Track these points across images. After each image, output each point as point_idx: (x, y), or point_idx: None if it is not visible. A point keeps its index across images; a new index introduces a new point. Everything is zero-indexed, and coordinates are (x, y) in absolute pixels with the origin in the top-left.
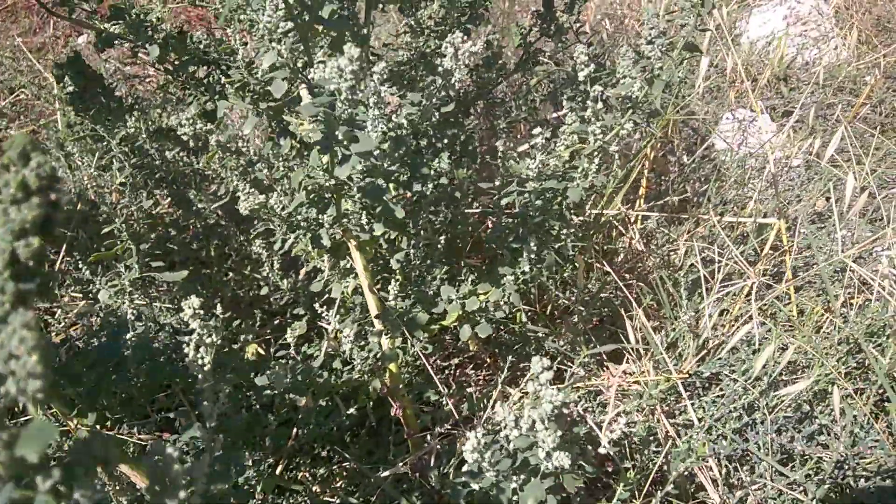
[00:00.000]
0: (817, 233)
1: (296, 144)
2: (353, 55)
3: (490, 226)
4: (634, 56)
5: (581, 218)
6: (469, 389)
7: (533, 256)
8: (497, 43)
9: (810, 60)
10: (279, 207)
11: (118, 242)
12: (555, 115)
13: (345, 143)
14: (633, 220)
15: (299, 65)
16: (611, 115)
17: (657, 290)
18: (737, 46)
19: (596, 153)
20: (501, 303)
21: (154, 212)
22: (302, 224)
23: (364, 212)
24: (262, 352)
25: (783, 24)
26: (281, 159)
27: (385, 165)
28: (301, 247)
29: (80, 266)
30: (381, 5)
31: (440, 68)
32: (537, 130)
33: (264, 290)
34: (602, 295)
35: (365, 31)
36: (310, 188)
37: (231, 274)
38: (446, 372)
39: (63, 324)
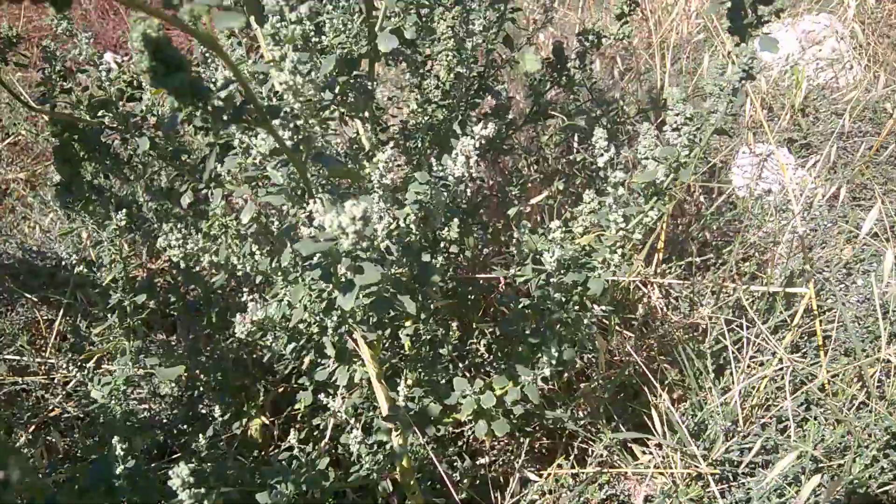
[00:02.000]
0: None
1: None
2: (356, 214)
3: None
4: (656, 134)
5: (603, 307)
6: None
7: (554, 359)
8: (505, 93)
9: (827, 84)
10: (278, 317)
11: (116, 310)
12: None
13: (348, 274)
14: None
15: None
16: (630, 195)
17: (681, 361)
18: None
19: (618, 243)
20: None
21: (154, 273)
22: (304, 333)
23: (371, 312)
24: (266, 422)
25: (796, 44)
26: (280, 274)
27: (392, 271)
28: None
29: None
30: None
31: (449, 177)
32: (555, 224)
33: (267, 357)
34: (622, 369)
35: (370, 84)
36: (311, 300)
37: (233, 339)
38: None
39: (59, 398)
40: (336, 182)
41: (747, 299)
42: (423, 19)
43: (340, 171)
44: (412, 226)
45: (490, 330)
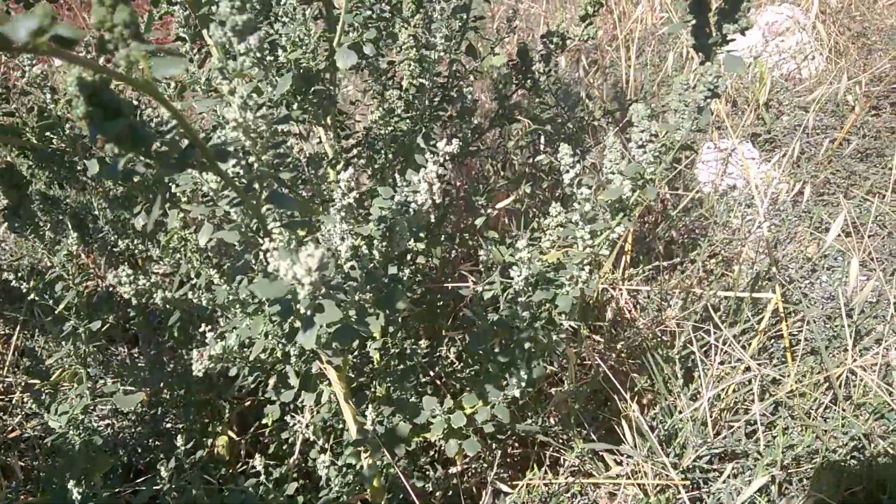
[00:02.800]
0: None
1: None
2: (312, 265)
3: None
4: (621, 149)
5: (572, 323)
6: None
7: (523, 380)
8: (471, 96)
9: (790, 76)
10: (236, 345)
11: (73, 328)
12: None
13: (308, 312)
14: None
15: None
16: (596, 210)
17: (650, 367)
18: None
19: (585, 260)
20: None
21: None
22: (266, 362)
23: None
24: (233, 437)
25: (759, 36)
26: (238, 306)
27: (356, 298)
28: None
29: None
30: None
31: (411, 204)
32: (522, 243)
33: (233, 371)
34: (592, 378)
35: (332, 91)
36: (272, 329)
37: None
38: (431, 453)
39: (18, 418)
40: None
41: (714, 303)
42: (384, 30)
43: (297, 214)
44: (376, 251)
45: (460, 337)
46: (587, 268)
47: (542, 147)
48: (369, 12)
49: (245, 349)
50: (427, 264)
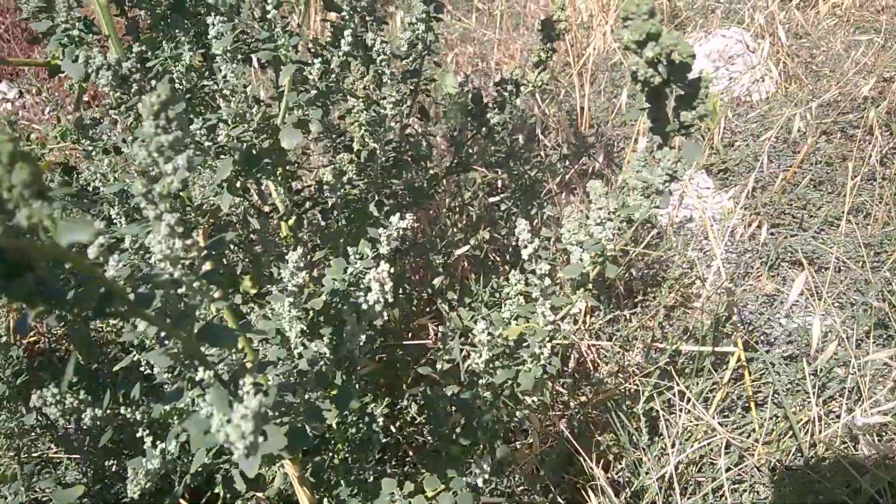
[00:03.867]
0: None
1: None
2: (247, 428)
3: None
4: (580, 219)
5: (536, 398)
6: None
7: (486, 471)
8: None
9: (741, 100)
10: (177, 451)
11: None
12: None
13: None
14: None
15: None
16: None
17: (614, 423)
18: None
19: (547, 337)
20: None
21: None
22: (212, 466)
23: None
24: None
25: (709, 62)
26: (176, 416)
27: (306, 397)
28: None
29: None
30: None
31: (363, 305)
32: (480, 326)
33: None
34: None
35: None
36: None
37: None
38: None
39: None
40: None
41: (677, 350)
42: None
43: (231, 345)
44: (326, 348)
45: (421, 391)
46: (549, 345)
47: (497, 190)
48: (315, 91)
49: (186, 456)
50: (385, 322)
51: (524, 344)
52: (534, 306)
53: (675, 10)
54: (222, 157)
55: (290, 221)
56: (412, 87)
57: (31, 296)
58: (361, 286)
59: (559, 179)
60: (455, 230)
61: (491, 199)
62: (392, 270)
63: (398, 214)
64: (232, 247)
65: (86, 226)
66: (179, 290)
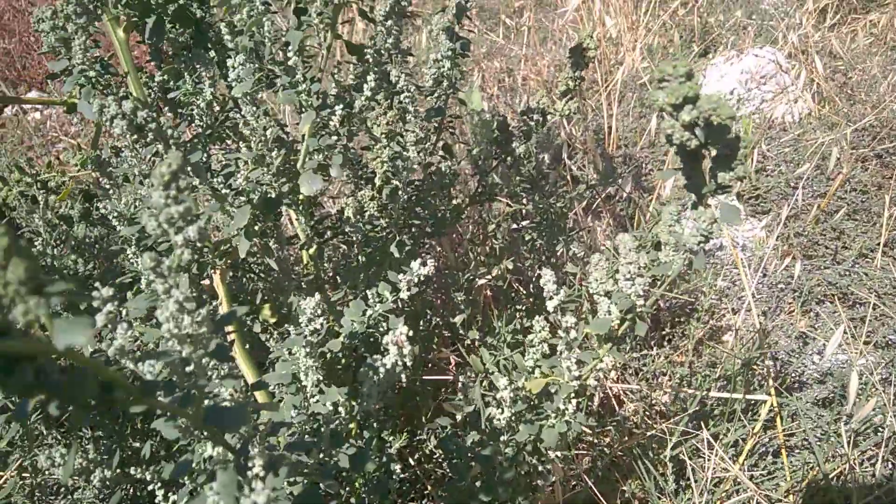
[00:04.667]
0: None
1: None
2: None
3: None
4: (607, 268)
5: (560, 453)
6: None
7: None
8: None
9: (772, 122)
10: None
11: None
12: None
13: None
14: None
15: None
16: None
17: (640, 472)
18: None
19: (572, 393)
20: None
21: None
22: None
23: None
24: None
25: (742, 78)
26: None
27: (321, 459)
28: None
29: None
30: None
31: (380, 368)
32: (503, 382)
33: None
34: (583, 490)
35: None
36: None
37: None
38: None
39: None
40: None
41: (706, 395)
42: (352, 149)
43: (240, 425)
44: (342, 409)
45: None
46: (574, 401)
47: (521, 216)
48: (335, 138)
49: None
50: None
51: (548, 397)
52: (559, 359)
53: (707, 27)
54: (240, 200)
55: (311, 250)
56: (436, 125)
57: (30, 388)
58: (380, 329)
59: (585, 203)
60: (478, 260)
61: (514, 226)
62: (411, 333)
63: (419, 260)
64: (251, 275)
65: (82, 327)
66: (188, 368)
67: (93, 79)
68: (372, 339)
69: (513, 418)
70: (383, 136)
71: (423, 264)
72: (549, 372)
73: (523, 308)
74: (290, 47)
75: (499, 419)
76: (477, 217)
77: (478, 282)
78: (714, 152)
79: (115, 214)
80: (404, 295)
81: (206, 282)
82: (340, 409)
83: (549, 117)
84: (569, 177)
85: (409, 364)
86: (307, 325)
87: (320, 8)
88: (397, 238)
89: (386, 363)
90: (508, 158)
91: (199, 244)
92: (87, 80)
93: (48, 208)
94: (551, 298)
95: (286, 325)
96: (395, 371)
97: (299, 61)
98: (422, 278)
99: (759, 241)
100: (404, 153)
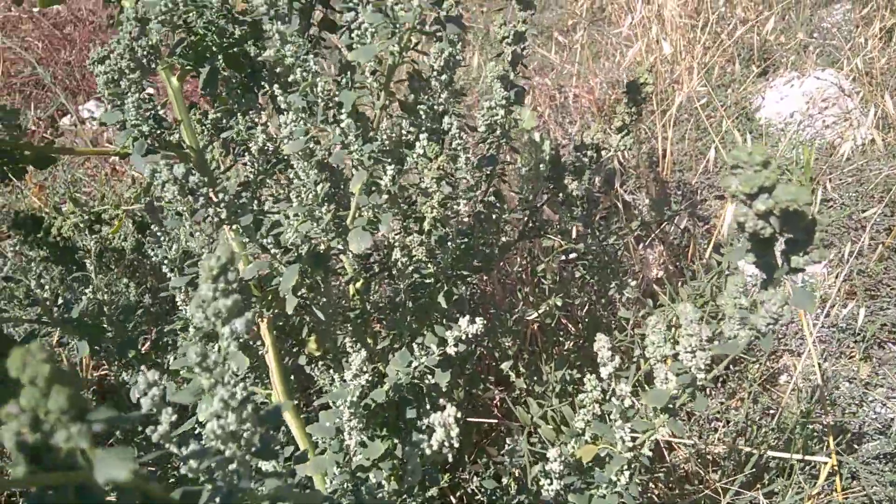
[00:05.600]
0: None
1: None
2: None
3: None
4: (664, 333)
5: None
6: None
7: None
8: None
9: (834, 150)
10: None
11: None
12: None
13: None
14: None
15: None
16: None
17: None
18: (751, 122)
19: (626, 465)
20: None
21: None
22: None
23: None
24: None
25: (802, 101)
26: None
27: None
28: None
29: None
30: None
31: (425, 448)
32: (552, 453)
33: None
34: None
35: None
36: None
37: None
38: None
39: None
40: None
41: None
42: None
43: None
44: (386, 482)
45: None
46: (627, 472)
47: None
48: (385, 196)
49: None
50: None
51: (599, 463)
52: (611, 426)
53: (766, 45)
54: (289, 258)
55: (358, 285)
56: (488, 173)
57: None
58: (426, 382)
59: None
60: (525, 296)
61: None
62: (459, 414)
63: (468, 318)
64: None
65: (124, 461)
66: (230, 467)
67: (146, 133)
68: (417, 391)
69: (562, 490)
70: (433, 180)
71: (472, 322)
72: (600, 436)
73: (572, 347)
74: (342, 108)
75: (548, 490)
76: (525, 251)
77: (525, 317)
78: (788, 237)
79: (166, 262)
80: (451, 351)
81: (253, 327)
82: (384, 482)
83: (603, 153)
84: (620, 204)
85: (455, 445)
86: (352, 380)
87: (374, 66)
88: (445, 288)
89: (432, 443)
90: (560, 195)
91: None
92: (141, 133)
93: (101, 240)
94: (605, 365)
95: (332, 371)
96: (441, 451)
97: (352, 123)
98: (469, 336)
99: (819, 280)
100: (454, 204)
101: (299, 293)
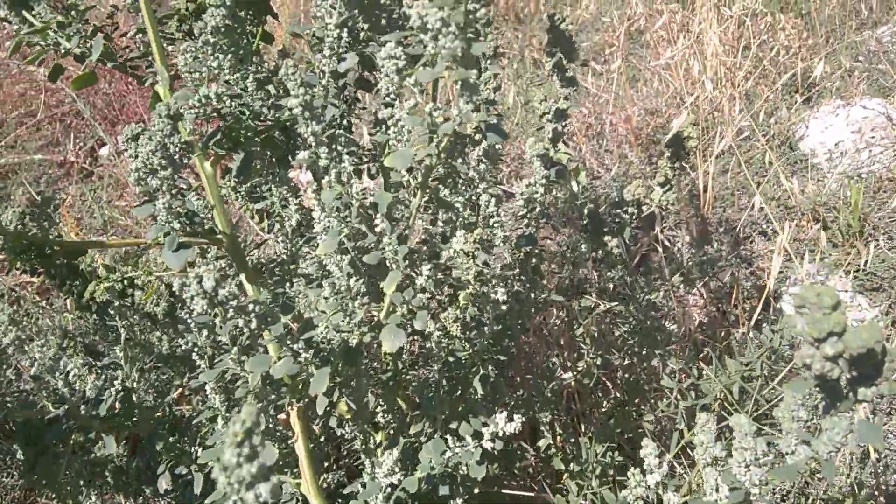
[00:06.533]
0: None
1: None
2: None
3: None
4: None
5: None
6: None
7: None
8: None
9: (881, 186)
10: None
11: None
12: None
13: None
14: None
15: None
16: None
17: None
18: (795, 151)
19: None
20: None
21: None
22: None
23: None
24: None
25: (847, 131)
26: None
27: None
28: None
29: None
30: None
31: None
32: None
33: None
34: None
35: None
36: None
37: None
38: None
39: None
40: None
41: None
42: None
43: None
44: None
45: None
46: None
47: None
48: (421, 295)
49: None
50: None
51: None
52: None
53: (809, 71)
54: (319, 360)
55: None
56: (526, 252)
57: None
58: (459, 472)
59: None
60: (563, 357)
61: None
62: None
63: (504, 414)
64: None
65: None
66: None
67: (177, 231)
68: (450, 480)
69: None
70: (468, 255)
71: (510, 419)
72: None
73: (611, 408)
74: (378, 209)
75: None
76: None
77: (562, 377)
78: (855, 374)
79: (196, 350)
80: (487, 445)
81: (282, 416)
82: None
83: (644, 208)
84: (661, 248)
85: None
86: (385, 478)
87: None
88: (481, 371)
89: None
90: (600, 252)
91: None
92: (172, 229)
93: (134, 306)
94: (651, 472)
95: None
96: None
97: (388, 226)
98: (506, 433)
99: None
100: (492, 291)
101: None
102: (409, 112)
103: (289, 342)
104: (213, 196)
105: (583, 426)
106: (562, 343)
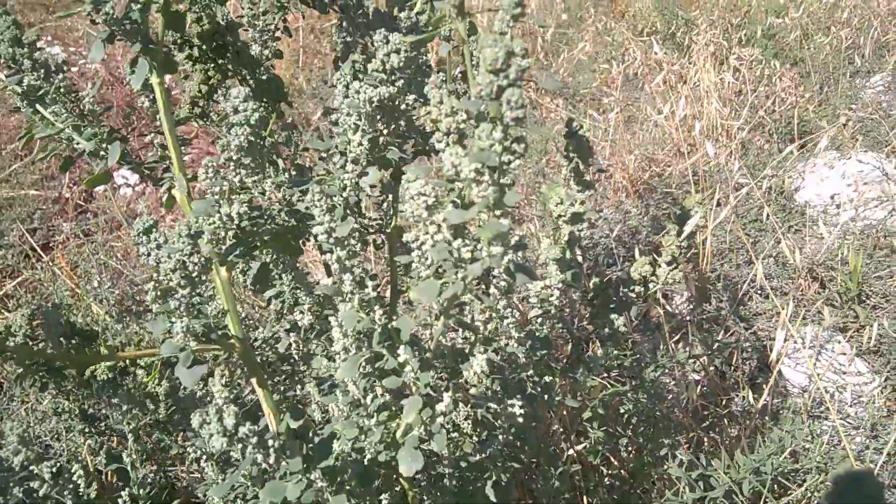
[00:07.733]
0: None
1: None
2: None
3: None
4: None
5: None
6: None
7: None
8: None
9: (878, 242)
10: None
11: None
12: None
13: None
14: None
15: None
16: None
17: None
18: (790, 202)
19: None
20: None
21: None
22: None
23: None
24: None
25: (843, 184)
26: None
27: None
28: None
29: None
30: None
31: None
32: None
33: None
34: None
35: None
36: None
37: None
38: None
39: None
40: None
41: None
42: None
43: None
44: None
45: None
46: None
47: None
48: (441, 419)
49: None
50: None
51: None
52: None
53: (804, 116)
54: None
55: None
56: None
57: None
58: None
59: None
60: (567, 433)
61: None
62: None
63: None
64: None
65: None
66: None
67: (193, 349)
68: None
69: None
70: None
71: None
72: None
73: (616, 486)
74: (400, 335)
75: None
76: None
77: (565, 453)
78: None
79: (204, 458)
80: None
81: None
82: None
83: (651, 285)
84: (662, 312)
85: None
86: None
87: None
88: (493, 478)
89: None
90: (606, 330)
91: None
92: (188, 347)
93: (135, 386)
94: None
95: None
96: None
97: (410, 353)
98: None
99: (871, 400)
100: (508, 406)
101: None
102: (436, 246)
103: (304, 471)
104: (227, 301)
105: (585, 498)
106: (564, 414)
